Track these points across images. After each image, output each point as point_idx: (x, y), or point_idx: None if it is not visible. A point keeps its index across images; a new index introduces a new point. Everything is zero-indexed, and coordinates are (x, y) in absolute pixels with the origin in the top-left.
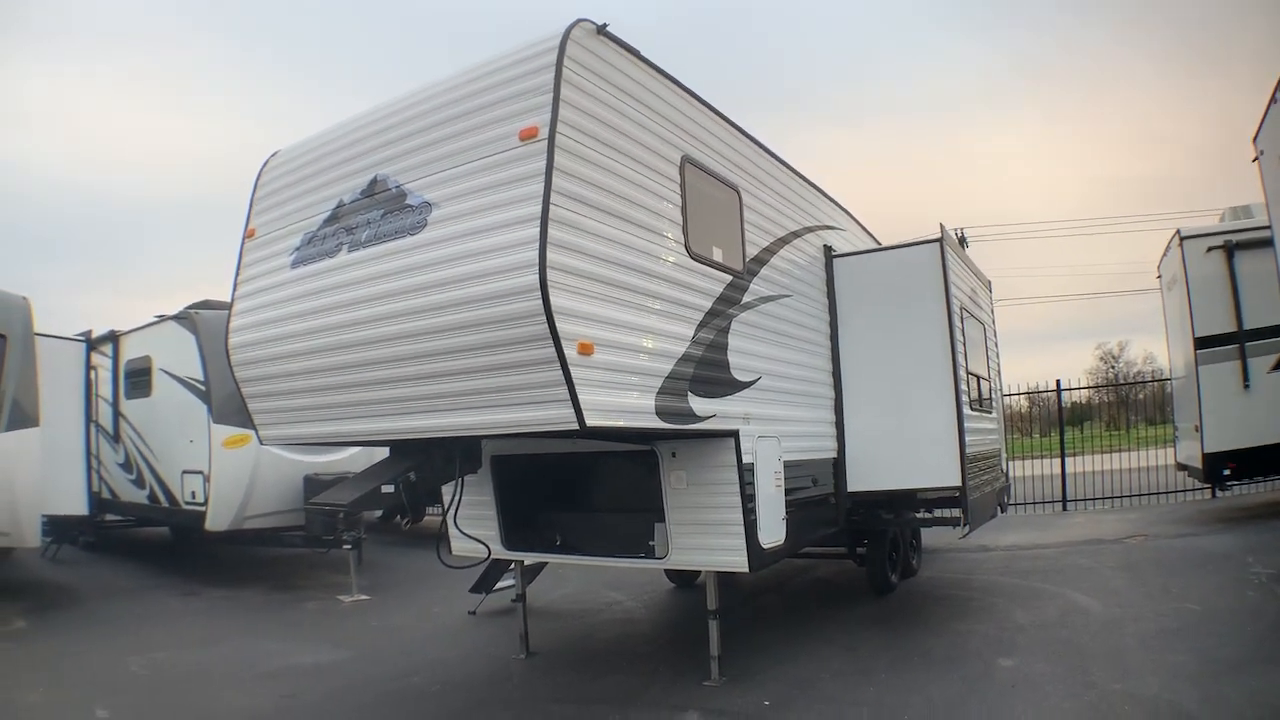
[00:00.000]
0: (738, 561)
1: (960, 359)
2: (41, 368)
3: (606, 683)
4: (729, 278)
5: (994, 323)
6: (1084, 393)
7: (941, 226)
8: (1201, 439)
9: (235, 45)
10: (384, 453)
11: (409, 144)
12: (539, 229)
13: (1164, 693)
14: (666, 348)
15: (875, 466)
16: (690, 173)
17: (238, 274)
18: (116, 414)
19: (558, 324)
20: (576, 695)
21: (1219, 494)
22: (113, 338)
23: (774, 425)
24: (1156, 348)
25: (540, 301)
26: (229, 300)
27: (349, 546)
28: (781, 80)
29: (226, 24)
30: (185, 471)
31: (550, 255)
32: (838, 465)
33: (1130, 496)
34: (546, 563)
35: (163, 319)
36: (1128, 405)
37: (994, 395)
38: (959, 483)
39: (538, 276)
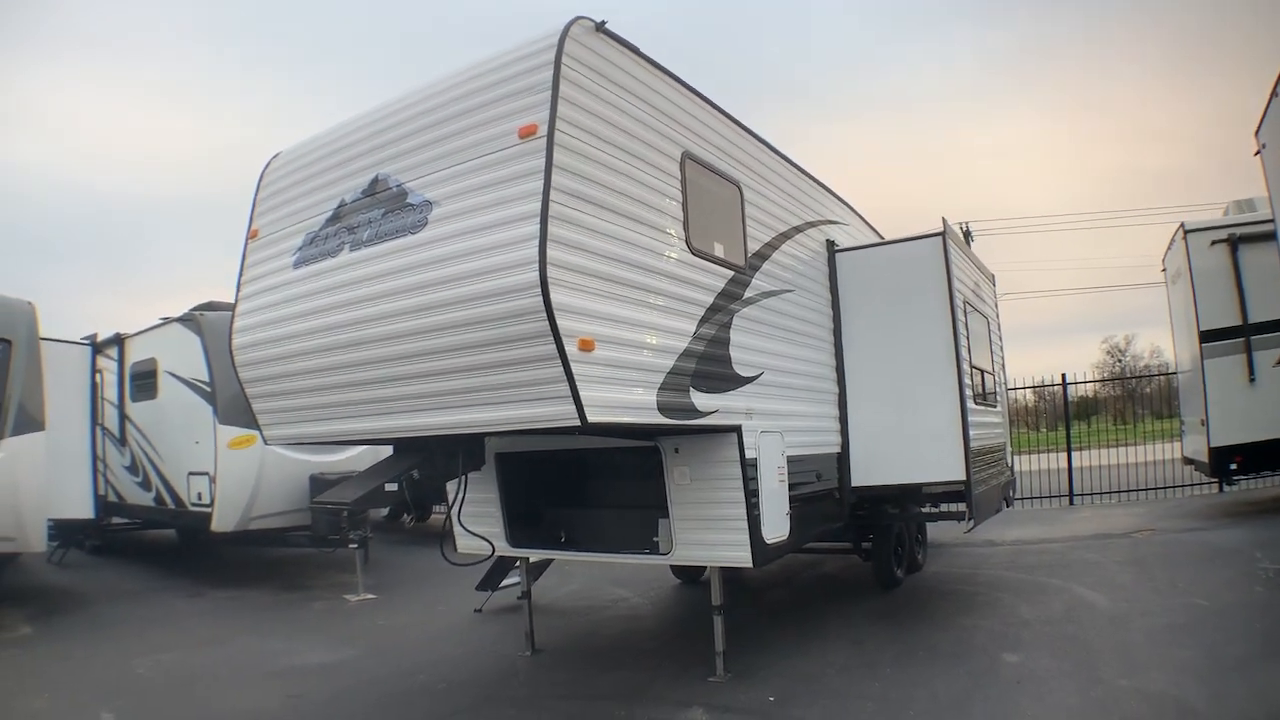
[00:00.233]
0: (741, 557)
1: (963, 352)
2: (47, 372)
3: (611, 679)
4: (731, 273)
5: (998, 316)
6: (1091, 387)
7: (944, 220)
8: (1207, 433)
9: (238, 45)
10: (389, 452)
11: (409, 143)
12: (539, 226)
13: (1171, 689)
14: (668, 343)
15: (879, 461)
16: (691, 168)
17: (241, 274)
18: (122, 417)
19: (558, 320)
20: (581, 691)
21: (1226, 488)
22: (118, 341)
23: (777, 420)
24: (1163, 341)
25: (541, 298)
26: (233, 301)
27: (355, 546)
28: (785, 74)
29: (230, 23)
30: (191, 473)
31: (550, 252)
32: (842, 460)
33: (1137, 491)
34: (551, 560)
35: (167, 321)
36: (1134, 399)
37: (998, 389)
38: (963, 477)
39: (538, 273)
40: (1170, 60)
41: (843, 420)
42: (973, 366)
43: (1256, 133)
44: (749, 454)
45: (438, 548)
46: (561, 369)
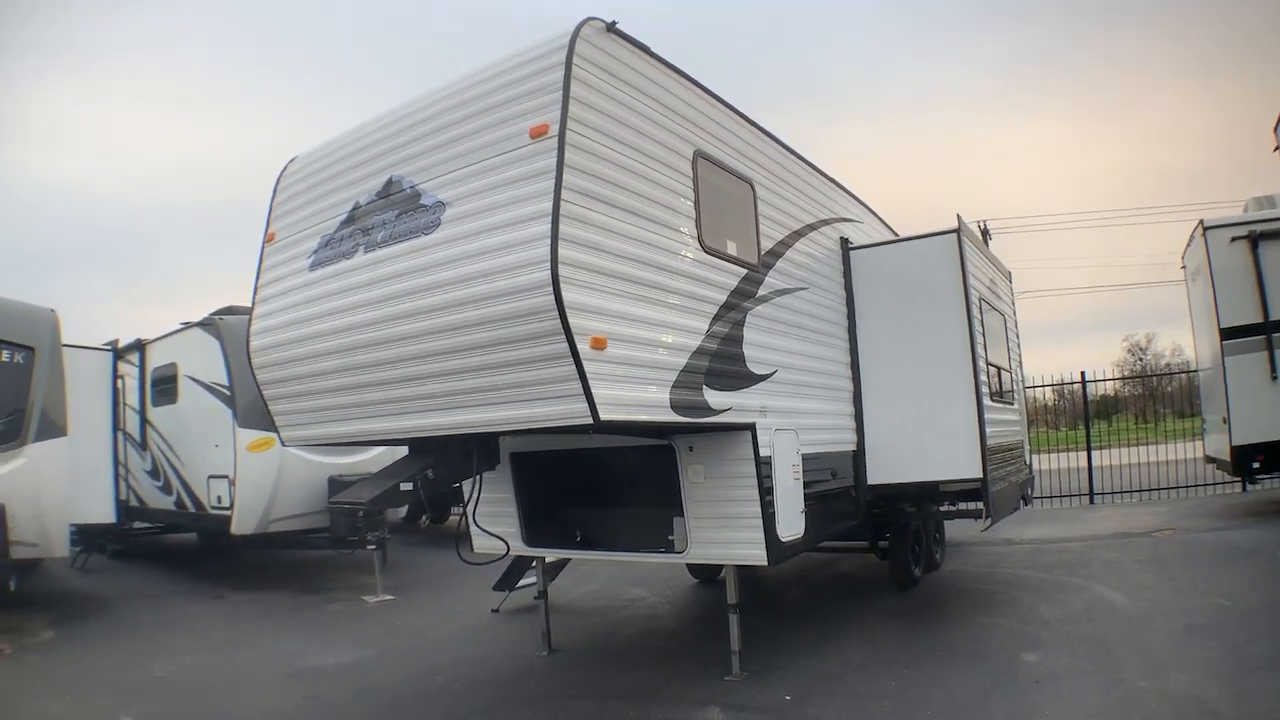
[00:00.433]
0: (756, 555)
1: (979, 350)
2: (69, 378)
3: (628, 679)
4: (744, 271)
5: (1015, 314)
6: (1111, 386)
7: (958, 217)
8: (1229, 431)
9: (255, 52)
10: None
11: (422, 145)
12: (550, 225)
13: (1192, 689)
14: (681, 341)
15: (895, 459)
16: (703, 167)
17: (258, 278)
18: (144, 422)
19: (570, 319)
20: (598, 691)
21: (1248, 487)
22: (139, 346)
23: (792, 418)
24: (1184, 340)
25: (552, 297)
26: (250, 304)
27: (373, 547)
28: (802, 73)
29: (246, 32)
30: (211, 476)
31: (562, 251)
32: (857, 458)
33: (1158, 490)
34: (568, 559)
35: (188, 326)
36: (1156, 398)
37: (1015, 387)
38: (980, 475)
39: (550, 272)
40: (1185, 59)
41: (858, 418)
42: (989, 363)
43: (1276, 129)
44: (763, 452)
45: (454, 548)
46: (574, 367)
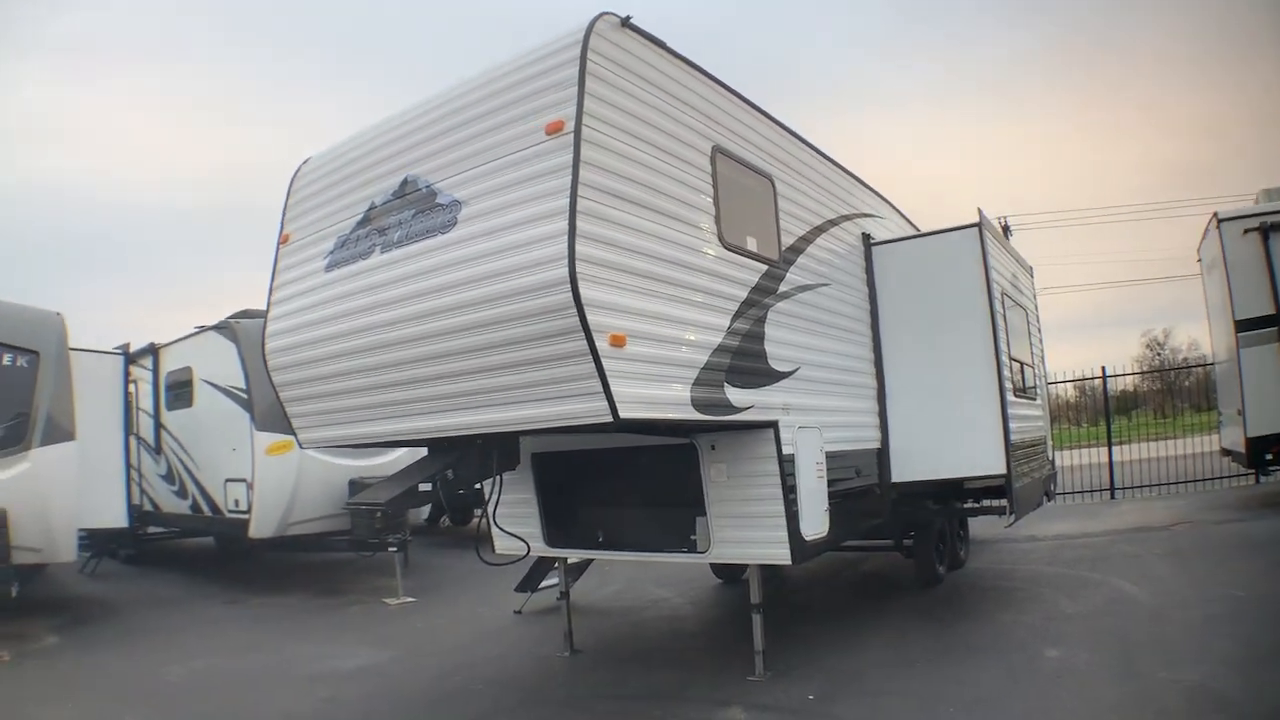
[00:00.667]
0: (780, 554)
1: (1002, 344)
2: (79, 382)
3: (651, 679)
4: (764, 267)
5: (1037, 309)
6: (1131, 381)
7: (979, 210)
8: (1244, 423)
9: (269, 55)
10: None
11: (438, 144)
12: (567, 222)
13: (1207, 680)
14: (701, 338)
15: (919, 456)
16: (722, 162)
17: (273, 279)
18: (158, 426)
19: (588, 316)
20: (620, 692)
21: (1262, 479)
22: (152, 350)
23: (815, 415)
24: (1201, 334)
25: (570, 294)
26: (265, 306)
27: (394, 549)
28: (815, 67)
29: (260, 33)
30: (228, 480)
31: (579, 248)
32: (881, 455)
33: (1176, 484)
34: (591, 560)
35: (203, 329)
36: (1174, 392)
37: (1038, 382)
38: (1004, 471)
39: (567, 269)
40: (1197, 53)
41: (882, 415)
42: (1012, 359)
43: None
44: (786, 450)
45: (475, 550)
46: (593, 365)
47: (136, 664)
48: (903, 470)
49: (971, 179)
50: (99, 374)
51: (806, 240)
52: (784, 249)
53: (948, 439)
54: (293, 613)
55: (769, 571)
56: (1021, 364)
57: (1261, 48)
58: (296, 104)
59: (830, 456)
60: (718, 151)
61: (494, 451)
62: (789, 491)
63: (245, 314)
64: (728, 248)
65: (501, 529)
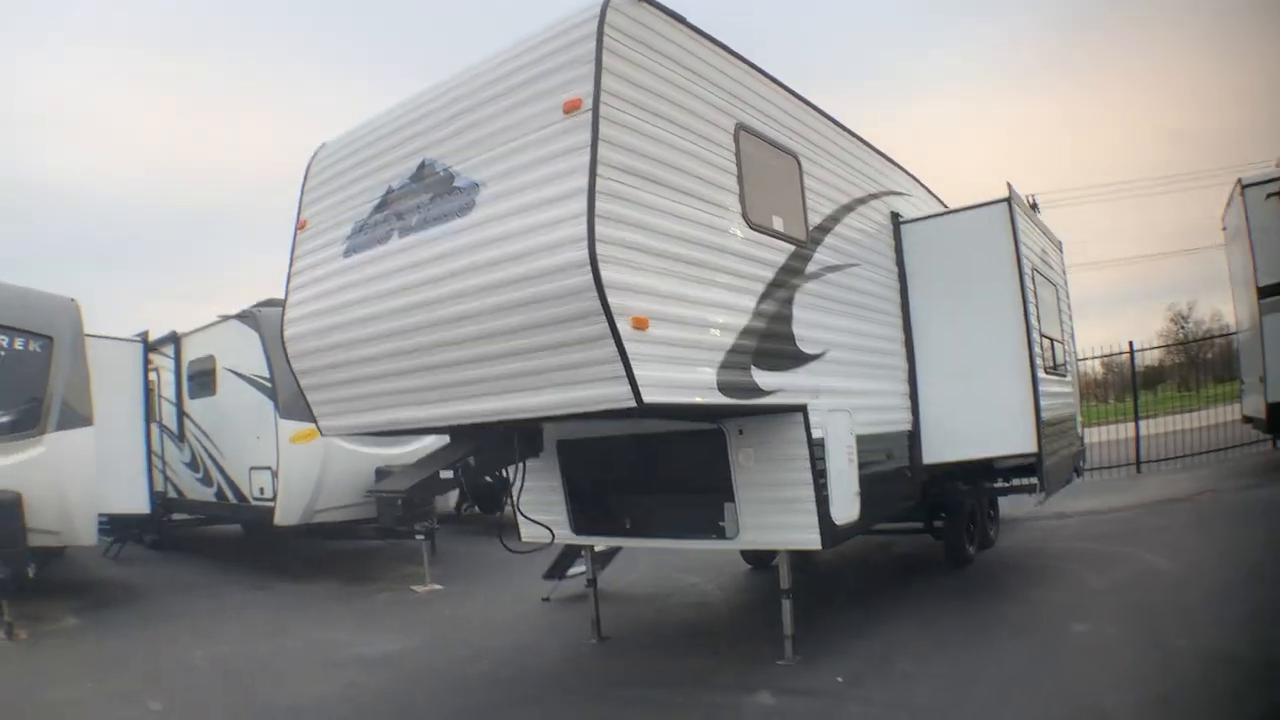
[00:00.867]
0: (810, 539)
1: (1033, 321)
2: (98, 369)
3: (678, 665)
4: (791, 247)
5: (1066, 284)
6: (1157, 356)
7: (1009, 185)
8: (1265, 390)
9: (287, 44)
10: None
11: (454, 125)
12: (586, 202)
13: (1225, 644)
14: (727, 320)
15: (950, 436)
16: (746, 140)
17: (291, 266)
18: (181, 414)
19: (609, 298)
20: (647, 678)
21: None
22: (174, 339)
23: (845, 398)
24: (1224, 305)
25: (591, 276)
26: (284, 293)
27: (421, 537)
28: (836, 48)
29: (278, 23)
30: (253, 468)
31: (599, 228)
32: (913, 437)
33: (1199, 454)
34: (619, 547)
35: (225, 318)
36: (1198, 365)
37: (1068, 359)
38: (1035, 449)
39: (587, 251)
40: (1215, 21)
41: (913, 396)
42: (1042, 335)
43: None
44: (816, 433)
45: (498, 537)
46: (615, 348)
47: (159, 646)
48: (934, 451)
49: (991, 158)
50: (118, 361)
51: (834, 219)
52: (811, 228)
53: (979, 418)
54: (319, 599)
55: (799, 556)
56: (1052, 340)
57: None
58: (318, 94)
59: (861, 439)
60: (741, 129)
61: (516, 438)
62: (819, 476)
63: (269, 303)
64: (753, 227)
65: (526, 516)
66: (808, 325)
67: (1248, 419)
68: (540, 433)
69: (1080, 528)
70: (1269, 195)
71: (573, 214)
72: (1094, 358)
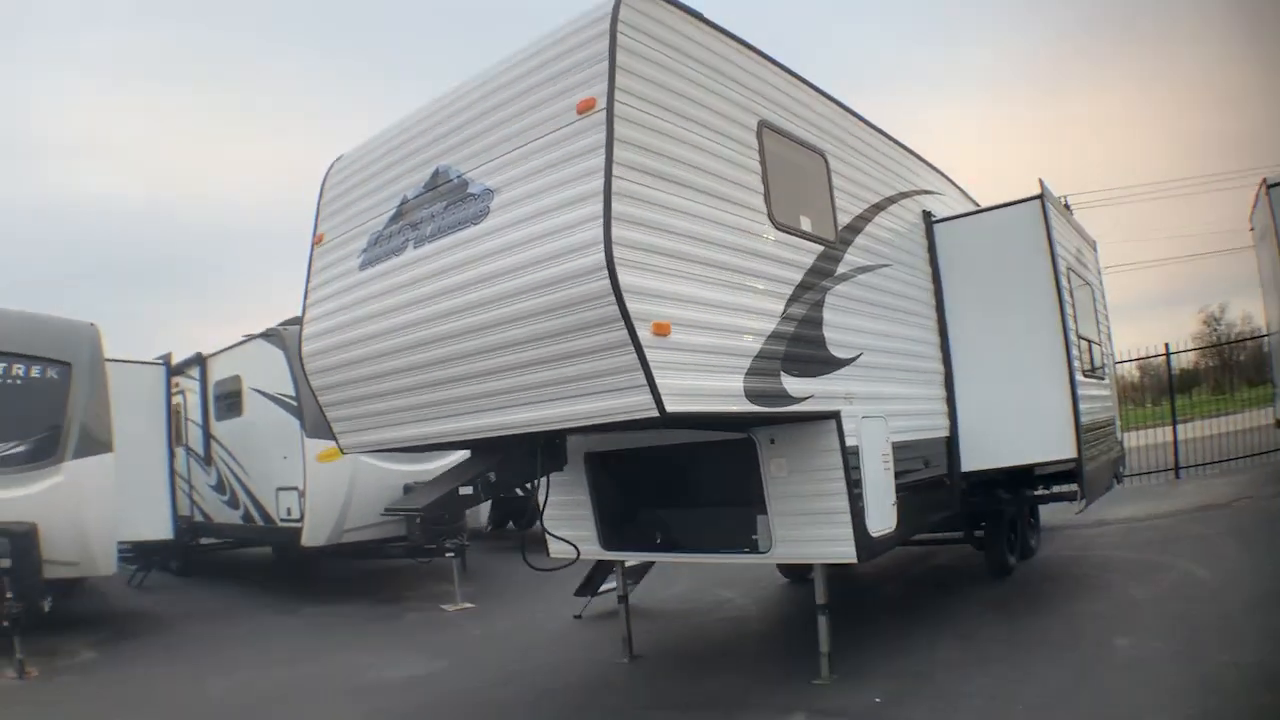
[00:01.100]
0: (845, 552)
1: (1070, 322)
2: (119, 393)
3: (711, 685)
4: (820, 248)
5: (1102, 285)
6: (1190, 358)
7: (1041, 182)
8: None
9: (322, 60)
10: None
11: (467, 132)
12: (602, 204)
13: (1265, 658)
14: (753, 325)
15: (989, 443)
16: (769, 138)
17: (308, 281)
18: (207, 436)
19: (628, 304)
20: (678, 700)
21: None
22: (199, 360)
23: (879, 404)
24: (1255, 308)
25: (608, 281)
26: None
27: (451, 554)
28: (866, 51)
29: (312, 40)
30: (280, 488)
31: (616, 231)
32: (950, 444)
33: (1236, 459)
34: (652, 563)
35: (250, 338)
36: (1231, 368)
37: (1106, 361)
38: (1074, 454)
39: (604, 255)
40: (1239, 21)
41: (950, 401)
42: (1080, 337)
43: None
44: (850, 441)
45: (533, 552)
46: (635, 356)
47: (176, 678)
48: (973, 458)
49: (1022, 160)
50: (140, 384)
51: (864, 219)
52: (840, 228)
53: (1017, 424)
54: (348, 621)
55: (836, 569)
56: (1089, 342)
57: None
58: (341, 113)
59: (897, 447)
60: (764, 127)
61: (539, 452)
62: (853, 486)
63: (294, 321)
64: (779, 228)
65: (552, 534)
66: (839, 328)
67: None
68: (563, 446)
69: (1120, 536)
70: None
71: (588, 217)
72: (1130, 360)
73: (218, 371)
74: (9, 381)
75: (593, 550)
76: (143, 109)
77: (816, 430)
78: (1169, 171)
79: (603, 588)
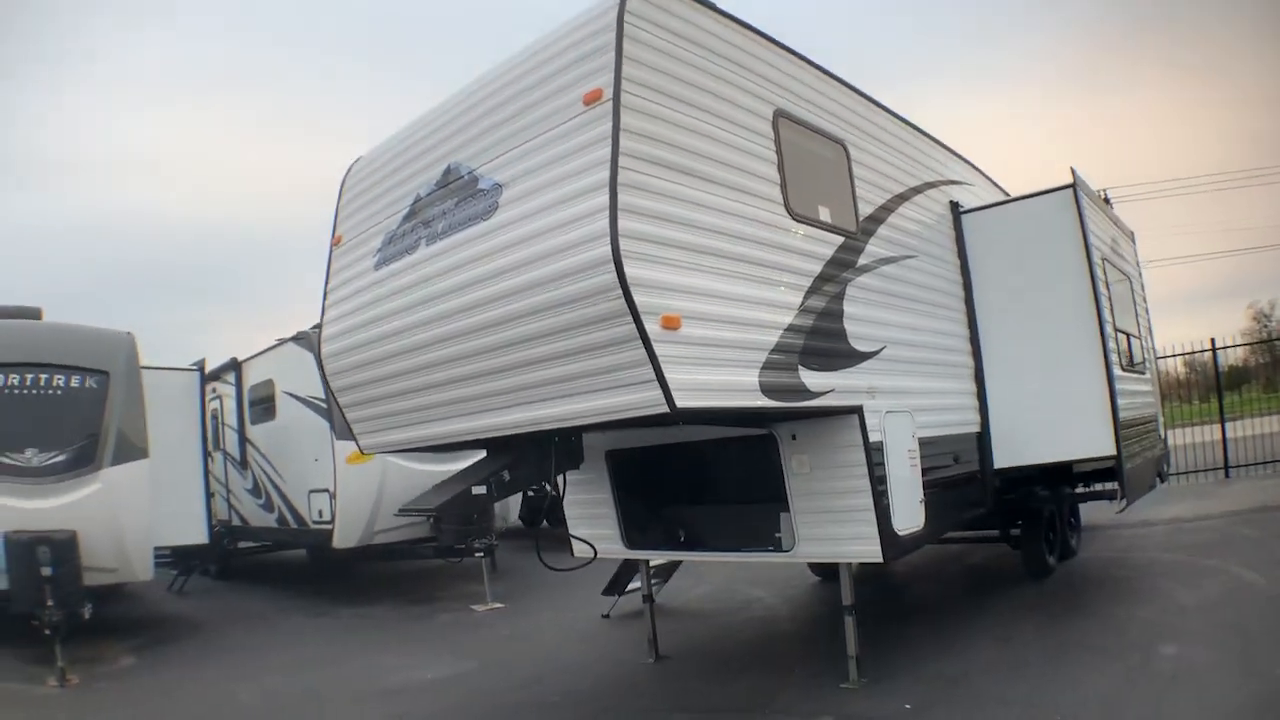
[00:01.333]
0: (870, 551)
1: (1105, 314)
2: (155, 399)
3: (736, 688)
4: (840, 239)
5: (1140, 276)
6: (1240, 355)
7: (1073, 170)
8: None
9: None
10: None
11: (478, 127)
12: (609, 196)
13: None
14: (769, 318)
15: (1022, 439)
16: (786, 127)
17: (327, 282)
18: (243, 440)
19: (636, 297)
20: (702, 703)
21: None
22: (234, 366)
23: (905, 399)
24: None
25: (615, 274)
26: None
27: (480, 554)
28: (894, 43)
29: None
30: (312, 491)
31: (623, 223)
32: (982, 440)
33: None
34: (679, 562)
35: (282, 342)
36: None
37: (1146, 355)
38: (1113, 451)
39: (610, 247)
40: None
41: (981, 396)
42: (1117, 330)
43: None
44: (874, 437)
45: (564, 553)
46: (644, 350)
47: (208, 684)
48: (1005, 455)
49: (1059, 156)
50: (175, 391)
51: (887, 209)
52: (862, 219)
53: (1052, 419)
54: (379, 623)
55: (868, 569)
56: (1128, 336)
57: None
58: (369, 114)
59: (924, 443)
60: (780, 116)
61: (553, 450)
62: (878, 483)
63: None
64: (796, 219)
65: (573, 535)
66: (861, 321)
67: None
68: (579, 443)
69: (1166, 537)
70: None
71: (594, 209)
72: (1174, 355)
73: (252, 376)
74: (50, 392)
75: (616, 549)
76: (178, 121)
77: (838, 426)
78: (1214, 165)
79: (631, 586)
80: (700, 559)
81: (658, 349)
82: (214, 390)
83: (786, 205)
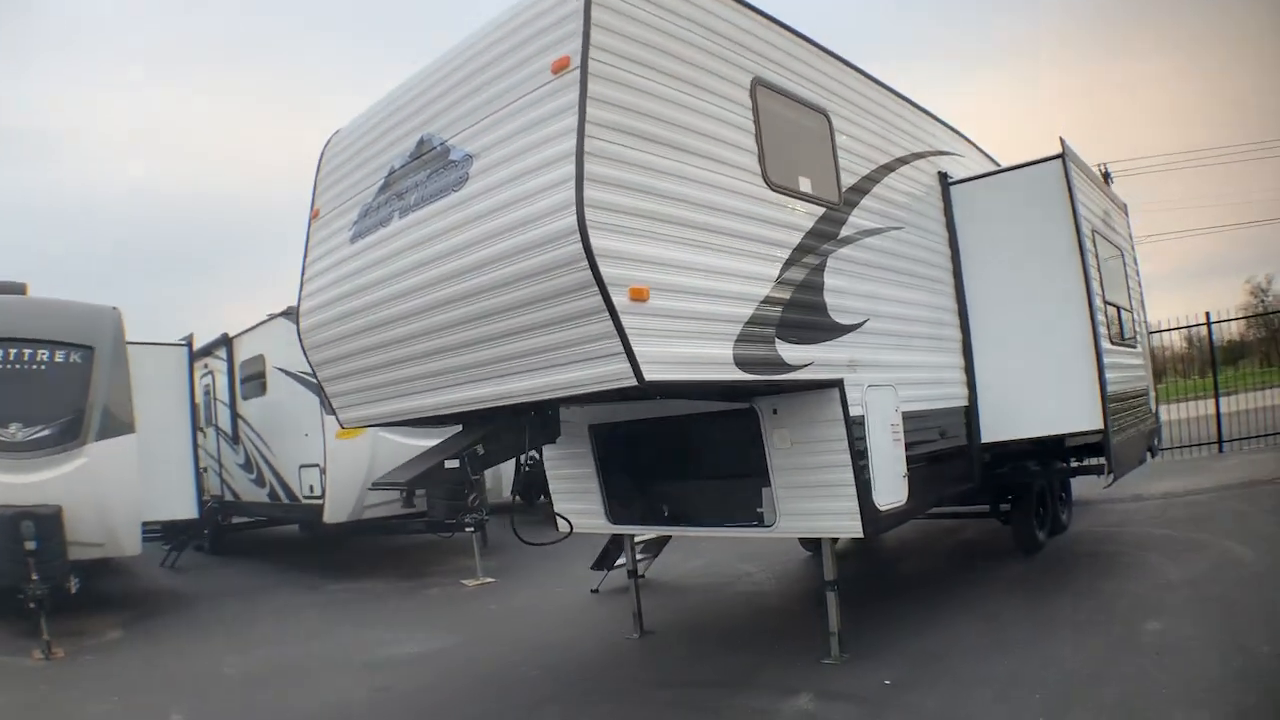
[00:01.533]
0: (851, 526)
1: (1094, 286)
2: (143, 375)
3: (718, 663)
4: (821, 210)
5: (1133, 249)
6: (1236, 330)
7: (1062, 140)
8: None
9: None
10: None
11: (450, 98)
12: (575, 165)
13: None
14: (744, 290)
15: (1010, 413)
16: (764, 96)
17: (305, 256)
18: (235, 416)
19: (602, 268)
20: (684, 678)
21: None
22: (226, 341)
23: (888, 372)
24: None
25: (581, 245)
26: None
27: (471, 529)
28: (900, 16)
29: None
30: (303, 466)
31: (589, 193)
32: (969, 414)
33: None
34: (668, 537)
35: (272, 317)
36: (1279, 340)
37: (1138, 329)
38: (1101, 425)
39: (576, 218)
40: None
41: (968, 370)
42: (1107, 303)
43: None
44: (855, 411)
45: (552, 527)
46: (611, 323)
47: (195, 658)
48: (993, 429)
49: (1058, 128)
50: (163, 366)
51: (872, 180)
52: (845, 190)
53: (1039, 393)
54: (369, 597)
55: (854, 544)
56: (1118, 309)
57: None
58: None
59: (908, 417)
60: (759, 84)
61: (527, 424)
62: (859, 457)
63: None
64: (774, 189)
65: (556, 513)
66: (842, 293)
67: None
68: (555, 417)
69: (1158, 511)
70: None
71: (561, 179)
72: (1168, 329)
73: (243, 351)
74: (34, 367)
75: (600, 524)
76: (176, 98)
77: (818, 400)
78: (1212, 139)
79: (619, 561)
80: (683, 534)
81: (625, 321)
82: (206, 366)
83: (764, 175)
